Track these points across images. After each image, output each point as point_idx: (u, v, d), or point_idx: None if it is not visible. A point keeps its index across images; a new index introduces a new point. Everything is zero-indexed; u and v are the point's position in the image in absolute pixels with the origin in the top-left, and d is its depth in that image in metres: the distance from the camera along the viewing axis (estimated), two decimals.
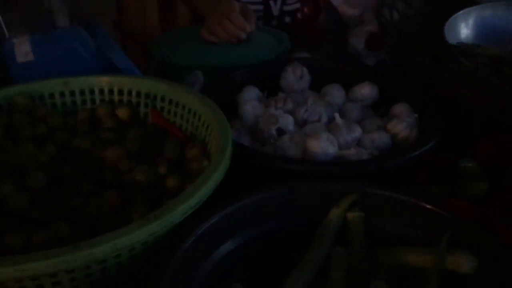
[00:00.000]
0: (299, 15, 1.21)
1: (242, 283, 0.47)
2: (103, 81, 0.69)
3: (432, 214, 0.49)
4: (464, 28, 0.86)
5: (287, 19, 1.19)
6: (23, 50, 0.69)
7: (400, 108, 0.69)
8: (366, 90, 0.75)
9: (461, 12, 0.87)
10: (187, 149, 0.59)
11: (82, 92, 0.69)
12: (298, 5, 1.19)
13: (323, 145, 0.58)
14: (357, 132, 0.63)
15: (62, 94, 0.69)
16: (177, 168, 0.58)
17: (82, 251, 0.39)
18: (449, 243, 0.47)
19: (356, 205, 0.52)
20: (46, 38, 0.69)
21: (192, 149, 0.59)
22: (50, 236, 0.48)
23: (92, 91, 0.70)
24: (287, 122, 0.67)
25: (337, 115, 0.64)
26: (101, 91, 0.70)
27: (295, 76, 0.79)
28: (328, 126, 0.68)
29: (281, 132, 0.66)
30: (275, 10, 1.16)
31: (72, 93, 0.69)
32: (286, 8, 1.17)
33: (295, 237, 0.51)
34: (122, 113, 0.68)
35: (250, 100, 0.72)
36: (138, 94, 0.69)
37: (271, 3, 1.15)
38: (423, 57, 0.74)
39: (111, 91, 0.69)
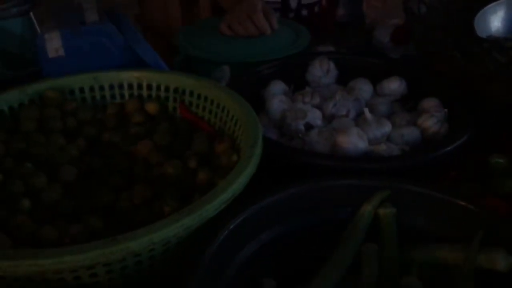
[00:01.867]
0: (316, 9, 1.20)
1: (274, 279, 0.47)
2: (132, 75, 0.70)
3: (466, 211, 0.49)
4: (494, 21, 0.84)
5: (304, 12, 1.18)
6: (54, 45, 0.70)
7: (430, 103, 0.69)
8: (394, 85, 0.74)
9: (491, 4, 0.85)
10: (216, 143, 0.59)
11: (111, 87, 0.70)
12: None
13: (353, 140, 0.57)
14: (387, 127, 0.63)
15: (91, 89, 0.70)
16: (206, 162, 0.59)
17: (119, 245, 0.39)
18: (483, 241, 0.46)
19: (388, 202, 0.51)
20: (76, 33, 0.70)
21: (221, 144, 0.59)
22: (84, 230, 0.48)
23: (121, 86, 0.70)
24: (315, 116, 0.66)
25: (366, 110, 0.63)
26: (130, 86, 0.70)
27: (322, 70, 0.78)
28: (356, 121, 0.67)
29: (308, 127, 0.66)
30: (293, 3, 1.15)
31: (102, 88, 0.70)
32: (304, 1, 1.16)
33: (325, 234, 0.51)
34: (151, 107, 0.68)
35: (277, 95, 0.72)
36: (167, 89, 0.69)
37: None
38: (452, 51, 0.72)
39: (140, 86, 0.70)
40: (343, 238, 0.51)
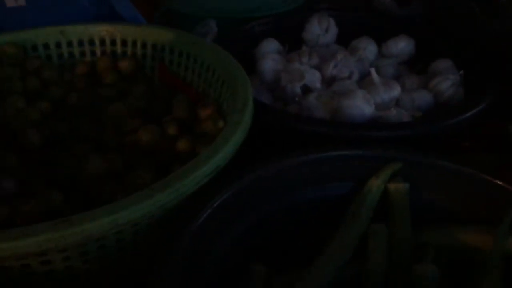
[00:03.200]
0: None
1: (264, 264, 0.40)
2: (104, 30, 0.61)
3: (492, 187, 0.41)
4: None
5: None
6: None
7: (443, 64, 0.61)
8: (402, 44, 0.66)
9: None
10: (200, 108, 0.51)
11: (80, 43, 0.61)
12: None
13: (358, 104, 0.50)
14: (396, 90, 0.55)
15: (58, 45, 0.61)
16: (188, 129, 0.51)
17: (74, 227, 0.31)
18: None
19: (399, 176, 0.44)
20: None
21: (205, 108, 0.51)
22: (41, 206, 0.40)
23: (92, 42, 0.61)
24: (314, 78, 0.58)
25: (373, 70, 0.55)
26: (102, 42, 0.61)
27: (321, 28, 0.70)
28: (359, 84, 0.59)
29: (306, 90, 0.58)
30: None
31: (70, 44, 0.61)
32: None
33: (326, 212, 0.44)
34: (125, 66, 0.60)
35: (270, 53, 0.64)
36: (144, 45, 0.61)
37: None
38: (469, 3, 0.64)
39: (113, 42, 0.61)
40: (347, 217, 0.43)
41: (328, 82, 0.61)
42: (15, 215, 0.40)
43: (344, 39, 0.71)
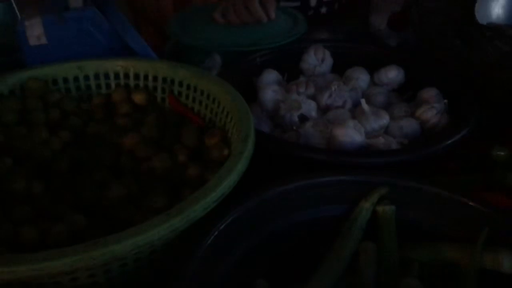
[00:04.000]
0: (336, 6, 1.14)
1: (267, 280, 0.45)
2: (118, 64, 0.67)
3: (469, 207, 0.46)
4: (495, 8, 0.81)
5: (323, 10, 1.12)
6: (35, 32, 0.66)
7: (429, 93, 0.66)
8: (392, 73, 0.72)
9: None
10: (207, 136, 0.57)
11: (96, 76, 0.67)
12: None
13: (350, 133, 0.55)
14: (385, 119, 0.60)
15: (76, 79, 0.66)
16: (196, 156, 0.56)
17: (101, 249, 0.37)
18: (487, 240, 0.44)
19: (387, 198, 0.49)
20: (59, 20, 0.66)
21: (212, 137, 0.56)
22: (67, 229, 0.46)
23: (107, 75, 0.67)
24: (310, 108, 0.64)
25: (363, 101, 0.61)
26: (117, 75, 0.67)
27: (317, 59, 0.75)
28: (352, 112, 0.65)
29: (303, 118, 0.63)
30: (313, 0, 1.10)
31: (87, 77, 0.67)
32: None
33: (320, 232, 0.49)
34: (138, 98, 0.65)
35: (270, 85, 0.69)
36: (155, 78, 0.66)
37: None
38: (453, 38, 0.70)
39: (126, 75, 0.67)
40: (340, 237, 0.48)
41: (324, 110, 0.66)
42: (44, 236, 0.45)
43: (340, 68, 0.77)
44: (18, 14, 0.66)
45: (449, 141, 0.55)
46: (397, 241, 0.47)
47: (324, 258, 0.47)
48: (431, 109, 0.62)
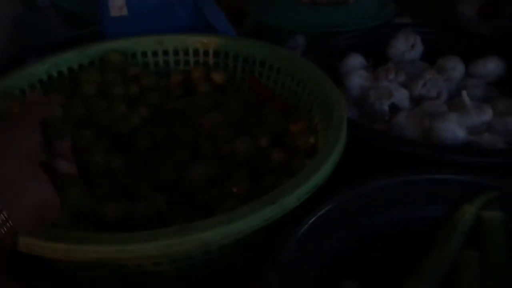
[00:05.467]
0: None
1: (356, 281, 0.41)
2: (198, 41, 0.64)
3: None
4: None
5: None
6: (117, 3, 0.65)
7: None
8: (491, 65, 0.65)
9: None
10: (292, 122, 0.53)
11: (175, 52, 0.65)
12: None
13: (451, 128, 0.50)
14: (488, 114, 0.54)
15: (154, 53, 0.65)
16: (279, 142, 0.53)
17: (191, 235, 0.34)
18: None
19: (494, 203, 0.44)
20: None
21: (297, 122, 0.53)
22: (149, 208, 0.44)
23: (186, 52, 0.65)
24: (402, 96, 0.59)
25: (464, 93, 0.55)
26: (196, 52, 0.64)
27: (407, 45, 0.70)
28: (448, 105, 0.59)
29: (394, 108, 0.58)
30: None
31: (166, 53, 0.65)
32: None
33: (415, 234, 0.44)
34: (217, 77, 0.62)
35: (357, 69, 0.64)
36: (236, 57, 0.63)
37: None
38: None
39: (206, 53, 0.64)
40: (438, 242, 0.43)
41: (415, 101, 0.61)
42: (128, 215, 0.43)
43: (429, 56, 0.71)
44: None
45: None
46: (507, 252, 0.42)
47: (418, 264, 0.42)
48: None
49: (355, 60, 0.68)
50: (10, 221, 0.30)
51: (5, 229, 0.30)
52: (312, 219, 0.41)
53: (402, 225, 0.45)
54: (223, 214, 0.35)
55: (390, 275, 0.41)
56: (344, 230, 0.43)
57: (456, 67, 0.64)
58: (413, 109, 0.57)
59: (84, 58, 0.62)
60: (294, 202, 0.38)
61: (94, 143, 0.51)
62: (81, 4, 0.80)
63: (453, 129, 0.50)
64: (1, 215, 0.29)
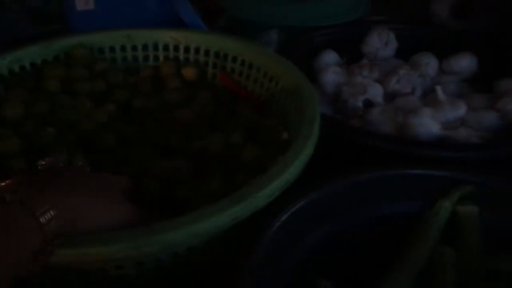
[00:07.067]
0: None
1: (330, 278, 0.40)
2: (168, 35, 0.62)
3: None
4: None
5: None
6: None
7: (510, 84, 0.59)
8: (465, 62, 0.65)
9: None
10: (264, 117, 0.51)
11: (145, 47, 0.62)
12: None
13: (426, 123, 0.49)
14: (462, 109, 0.54)
15: (123, 48, 0.62)
16: (251, 138, 0.51)
17: (155, 235, 0.32)
18: None
19: (470, 198, 0.43)
20: None
21: (270, 118, 0.51)
22: None
23: (156, 47, 0.62)
24: (376, 92, 0.58)
25: (439, 88, 0.55)
26: (166, 47, 0.62)
27: (381, 42, 0.69)
28: (422, 100, 0.58)
29: (368, 104, 0.57)
30: None
31: (134, 48, 0.62)
32: None
33: (390, 231, 0.43)
34: (188, 72, 0.60)
35: (331, 66, 0.63)
36: (207, 52, 0.61)
37: None
38: None
39: (176, 48, 0.62)
40: (414, 238, 0.43)
41: (389, 97, 0.60)
42: None
43: (403, 53, 0.70)
44: None
45: None
46: (482, 248, 0.41)
47: (394, 261, 0.41)
48: None
49: (329, 57, 0.67)
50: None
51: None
52: (285, 217, 0.39)
53: (377, 221, 0.44)
54: (190, 214, 0.33)
55: (366, 272, 0.40)
56: (318, 227, 0.42)
57: (429, 63, 0.64)
58: (387, 105, 0.57)
59: (49, 53, 0.59)
60: (264, 200, 0.37)
61: (56, 141, 0.48)
62: None
63: (428, 124, 0.49)
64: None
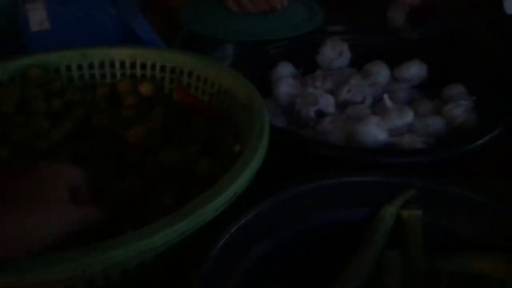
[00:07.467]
0: None
1: (281, 285, 0.41)
2: (124, 53, 0.63)
3: (507, 214, 0.42)
4: None
5: None
6: (38, 17, 0.63)
7: (456, 90, 0.62)
8: (414, 69, 0.67)
9: None
10: (218, 130, 0.53)
11: (101, 65, 0.63)
12: None
13: (372, 131, 0.51)
14: (409, 116, 0.56)
15: (79, 67, 0.63)
16: (206, 151, 0.52)
17: (100, 255, 0.33)
18: None
19: (413, 202, 0.45)
20: (63, 4, 0.63)
21: (223, 131, 0.52)
22: None
23: (112, 64, 0.63)
24: (328, 103, 0.60)
25: (386, 97, 0.57)
26: (122, 65, 0.63)
27: (334, 52, 0.71)
28: (372, 108, 0.60)
29: (320, 114, 0.59)
30: None
31: (91, 66, 0.63)
32: None
33: (340, 237, 0.45)
34: (145, 89, 0.61)
35: (285, 78, 0.65)
36: (163, 68, 0.62)
37: None
38: (480, 29, 0.65)
39: (133, 65, 0.63)
40: (361, 243, 0.44)
41: (342, 106, 0.62)
42: None
43: (358, 62, 0.72)
44: None
45: (481, 141, 0.50)
46: (425, 249, 0.43)
47: (343, 266, 0.43)
48: (459, 106, 0.57)
49: (285, 69, 0.69)
50: None
51: None
52: (233, 229, 0.40)
53: (327, 229, 0.46)
54: (135, 231, 0.34)
55: (317, 280, 0.42)
56: (268, 237, 0.43)
57: (380, 72, 0.66)
58: (338, 114, 0.58)
59: (3, 74, 0.59)
60: (211, 213, 0.38)
61: (10, 162, 0.49)
62: (3, 18, 0.77)
63: (374, 131, 0.51)
64: None
